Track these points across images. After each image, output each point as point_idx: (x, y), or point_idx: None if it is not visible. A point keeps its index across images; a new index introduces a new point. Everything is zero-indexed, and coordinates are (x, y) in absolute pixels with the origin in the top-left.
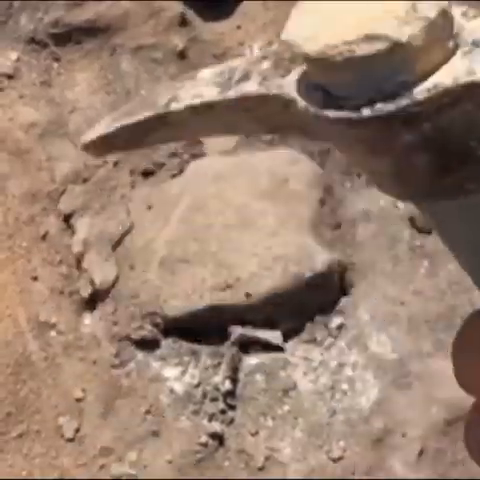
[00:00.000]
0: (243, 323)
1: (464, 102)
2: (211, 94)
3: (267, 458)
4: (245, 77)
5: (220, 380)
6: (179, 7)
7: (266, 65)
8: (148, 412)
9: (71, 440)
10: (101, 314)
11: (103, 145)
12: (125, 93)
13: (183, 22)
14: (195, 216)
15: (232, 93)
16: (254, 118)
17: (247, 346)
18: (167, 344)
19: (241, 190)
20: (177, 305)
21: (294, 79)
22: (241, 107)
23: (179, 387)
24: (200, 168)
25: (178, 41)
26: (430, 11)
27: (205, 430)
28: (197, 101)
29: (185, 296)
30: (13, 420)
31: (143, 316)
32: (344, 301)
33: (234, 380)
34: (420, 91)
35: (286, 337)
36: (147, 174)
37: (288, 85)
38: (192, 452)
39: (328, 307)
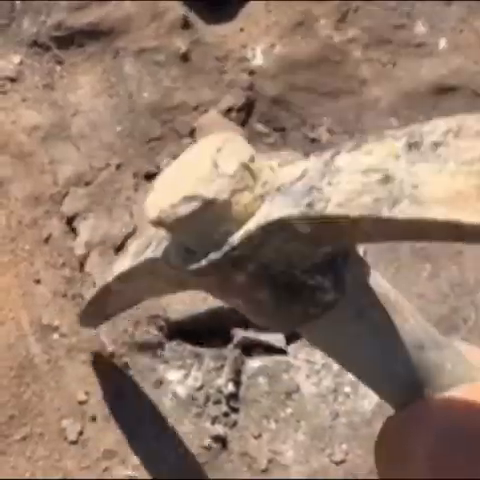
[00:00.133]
0: (246, 326)
1: (271, 240)
2: (127, 264)
3: (270, 461)
4: (148, 247)
5: (223, 383)
6: (181, 10)
7: (162, 232)
8: (151, 415)
9: (74, 443)
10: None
11: (85, 319)
12: (128, 96)
13: (186, 25)
14: None
15: (141, 259)
16: (157, 278)
17: (250, 349)
18: (170, 347)
19: None
20: (180, 308)
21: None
22: (147, 270)
23: (182, 390)
24: None
25: (181, 44)
26: (230, 167)
27: (208, 433)
28: (118, 271)
29: (188, 299)
30: (16, 423)
31: (146, 319)
32: None
33: (237, 383)
34: (235, 238)
35: (289, 340)
36: (150, 176)
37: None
38: (195, 455)
39: None
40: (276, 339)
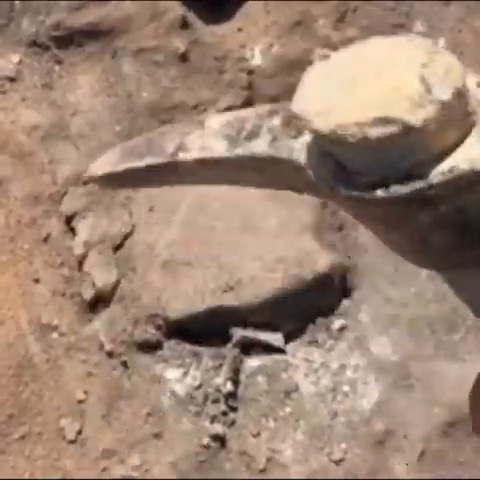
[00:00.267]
0: (245, 325)
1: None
2: (220, 149)
3: (269, 460)
4: (254, 134)
5: (222, 382)
6: (180, 10)
7: (276, 121)
8: (150, 414)
9: (73, 442)
10: (103, 316)
11: (110, 182)
12: (126, 96)
13: (184, 25)
14: (197, 218)
15: (241, 151)
16: (264, 177)
17: (249, 348)
18: (169, 346)
19: (243, 192)
20: (179, 307)
21: (305, 143)
22: (250, 166)
23: (181, 389)
24: None
25: (179, 44)
26: (444, 93)
27: (207, 432)
28: (205, 155)
29: (187, 298)
30: (15, 422)
31: (145, 318)
32: (345, 303)
33: (236, 382)
34: (435, 174)
35: (287, 339)
36: None
37: (299, 149)
38: (194, 454)
39: (329, 309)
40: (275, 338)
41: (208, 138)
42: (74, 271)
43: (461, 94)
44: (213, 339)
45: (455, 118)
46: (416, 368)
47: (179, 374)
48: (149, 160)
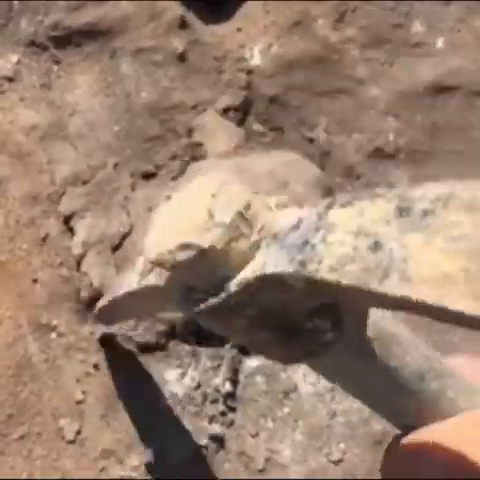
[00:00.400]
0: None
1: (267, 289)
2: (133, 283)
3: (267, 460)
4: (152, 269)
5: (220, 382)
6: (179, 10)
7: None
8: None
9: (72, 442)
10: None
11: (104, 313)
12: (125, 96)
13: (183, 25)
14: None
15: (143, 283)
16: (160, 302)
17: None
18: (167, 346)
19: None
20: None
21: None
22: (149, 294)
23: (179, 389)
24: (201, 170)
25: (178, 44)
26: (226, 216)
27: (206, 432)
28: (126, 289)
29: None
30: (14, 422)
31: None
32: None
33: (234, 382)
34: (232, 285)
35: None
36: (148, 176)
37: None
38: (193, 454)
39: None
40: None
41: (134, 274)
42: (73, 271)
43: (243, 216)
44: (211, 339)
45: (242, 237)
46: None
47: (178, 374)
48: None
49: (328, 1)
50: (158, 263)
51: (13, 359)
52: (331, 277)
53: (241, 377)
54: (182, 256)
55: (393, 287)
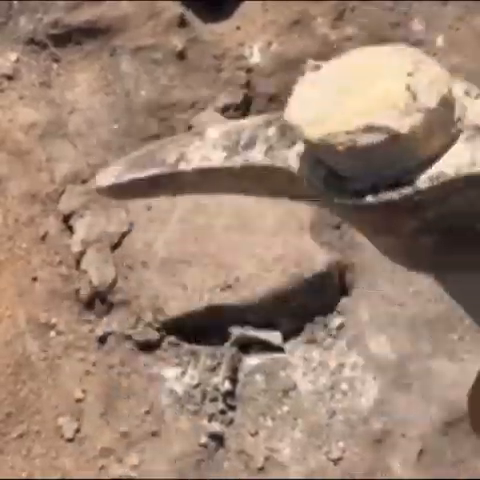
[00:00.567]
0: (243, 323)
1: (466, 191)
2: (218, 159)
3: (267, 458)
4: (251, 144)
5: (220, 380)
6: (178, 8)
7: (271, 132)
8: (148, 413)
9: (71, 440)
10: (101, 315)
11: (116, 192)
12: (125, 94)
13: (182, 23)
14: (195, 217)
15: (239, 160)
16: (261, 185)
17: (247, 346)
18: (167, 345)
19: None
20: (177, 306)
21: (299, 152)
22: (248, 175)
23: (179, 388)
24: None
25: (177, 42)
26: (430, 100)
27: (205, 430)
28: (204, 164)
29: (185, 297)
30: (13, 420)
31: (142, 317)
32: (344, 302)
33: (234, 380)
34: (422, 180)
35: (286, 337)
36: None
37: (293, 158)
38: (192, 453)
39: (328, 308)
40: (273, 337)
41: (207, 149)
42: (72, 269)
43: (447, 102)
44: (211, 338)
45: (441, 125)
46: (414, 367)
47: (177, 373)
48: (151, 171)
49: (326, 1)
50: (323, 144)
51: (12, 357)
52: None
53: (240, 375)
54: (367, 139)
55: None
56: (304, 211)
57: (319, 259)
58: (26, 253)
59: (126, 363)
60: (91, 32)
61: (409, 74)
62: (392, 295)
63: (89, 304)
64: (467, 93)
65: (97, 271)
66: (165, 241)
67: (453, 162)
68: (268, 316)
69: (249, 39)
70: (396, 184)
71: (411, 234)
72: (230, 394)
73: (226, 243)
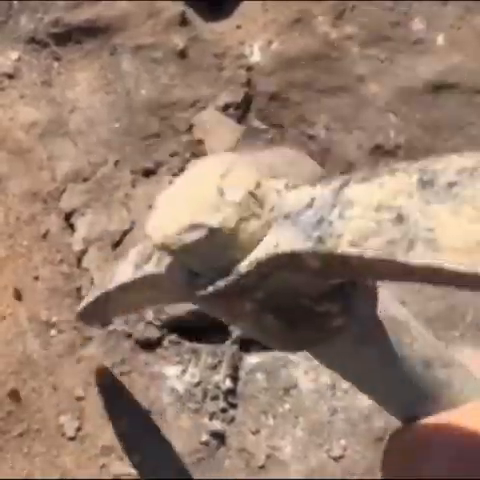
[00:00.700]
0: None
1: (279, 271)
2: (128, 273)
3: (268, 456)
4: (149, 257)
5: (221, 379)
6: (179, 7)
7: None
8: (149, 411)
9: (72, 439)
10: None
11: (84, 316)
12: (125, 93)
13: (183, 22)
14: None
15: (138, 273)
16: (161, 292)
17: (248, 345)
18: (167, 342)
19: None
20: (178, 304)
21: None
22: (147, 285)
23: (180, 386)
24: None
25: (178, 41)
26: (236, 195)
27: (206, 429)
28: (120, 280)
29: None
30: (14, 419)
31: (143, 315)
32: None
33: (235, 379)
34: (243, 266)
35: None
36: (148, 173)
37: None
38: (193, 451)
39: None
40: None
41: (126, 266)
42: (73, 268)
43: (253, 195)
44: (212, 336)
45: (252, 216)
46: None
47: (178, 371)
48: (97, 293)
49: (326, 1)
50: (164, 247)
51: (13, 356)
52: (353, 251)
53: (241, 374)
54: (191, 237)
55: (421, 256)
56: None
57: None
58: (27, 251)
59: (127, 361)
60: (91, 31)
61: (221, 176)
62: (392, 293)
63: None
64: (286, 186)
65: (98, 269)
66: None
67: (264, 247)
68: None
69: (250, 38)
70: (227, 273)
71: (252, 315)
72: (231, 392)
73: None
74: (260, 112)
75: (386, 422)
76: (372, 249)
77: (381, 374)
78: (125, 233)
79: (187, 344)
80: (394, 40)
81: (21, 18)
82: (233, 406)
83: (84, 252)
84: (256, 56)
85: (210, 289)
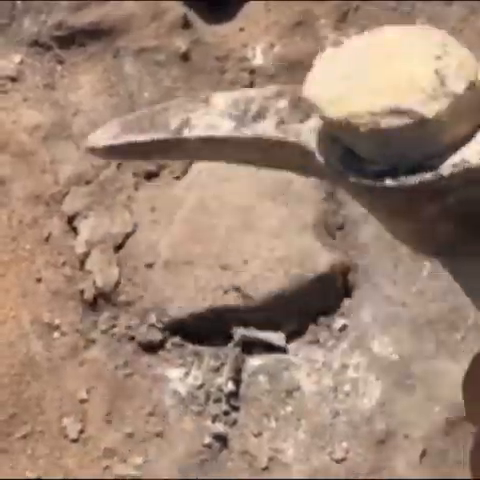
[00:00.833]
0: (246, 324)
1: None
2: (226, 128)
3: (270, 459)
4: (261, 114)
5: (223, 381)
6: (182, 9)
7: (283, 104)
8: (151, 413)
9: (75, 441)
10: (104, 315)
11: (110, 153)
12: (128, 96)
13: (186, 24)
14: (199, 218)
15: (248, 132)
16: (270, 158)
17: (250, 347)
18: (170, 345)
19: (244, 192)
20: (180, 306)
21: (313, 127)
22: (257, 147)
23: (182, 388)
24: (204, 170)
25: (181, 43)
26: (458, 86)
27: (209, 431)
28: (211, 133)
29: (188, 298)
30: (17, 421)
31: (146, 318)
32: (347, 302)
33: (237, 381)
34: (445, 166)
35: (289, 338)
36: (151, 176)
37: (306, 133)
38: (196, 453)
39: (331, 308)
40: (276, 337)
41: (214, 116)
42: (76, 270)
43: (474, 87)
44: (215, 338)
45: (467, 111)
46: (417, 367)
47: (181, 374)
48: (152, 135)
49: (330, 1)
50: (345, 123)
51: (16, 358)
52: None
53: (244, 376)
54: (392, 122)
55: None
56: (307, 212)
57: (322, 260)
58: (30, 254)
59: (130, 364)
60: (94, 34)
61: (437, 57)
62: (394, 295)
63: (93, 305)
64: None
65: (101, 272)
66: (169, 242)
67: (477, 150)
68: (271, 317)
69: (252, 40)
70: (418, 169)
71: (428, 219)
72: (234, 395)
73: (229, 244)
74: None
75: (388, 424)
76: None
77: None
78: (128, 236)
79: (190, 347)
80: None
81: (24, 21)
82: (235, 409)
83: (87, 255)
84: (258, 59)
85: (390, 183)
